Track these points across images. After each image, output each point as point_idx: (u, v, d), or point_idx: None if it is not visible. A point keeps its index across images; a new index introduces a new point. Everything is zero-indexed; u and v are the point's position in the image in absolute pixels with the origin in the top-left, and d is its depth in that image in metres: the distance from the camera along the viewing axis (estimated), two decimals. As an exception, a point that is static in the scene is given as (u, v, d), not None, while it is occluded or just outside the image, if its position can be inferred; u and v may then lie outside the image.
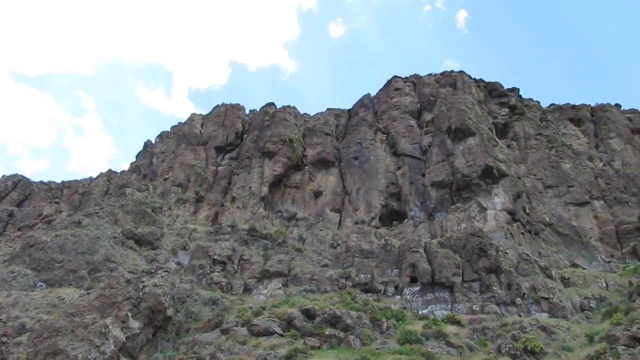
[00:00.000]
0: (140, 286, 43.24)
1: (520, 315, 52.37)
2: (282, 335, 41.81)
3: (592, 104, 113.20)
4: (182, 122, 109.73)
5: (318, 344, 40.34)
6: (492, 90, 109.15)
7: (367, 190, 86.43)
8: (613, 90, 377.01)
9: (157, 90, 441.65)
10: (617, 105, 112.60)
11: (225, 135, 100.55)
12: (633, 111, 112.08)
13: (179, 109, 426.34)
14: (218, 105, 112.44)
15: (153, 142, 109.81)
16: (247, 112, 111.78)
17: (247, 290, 59.33)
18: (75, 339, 36.08)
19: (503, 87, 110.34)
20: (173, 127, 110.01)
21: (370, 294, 58.43)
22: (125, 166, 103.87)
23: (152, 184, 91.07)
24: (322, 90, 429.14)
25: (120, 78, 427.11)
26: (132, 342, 39.28)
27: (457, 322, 48.81)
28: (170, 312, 43.92)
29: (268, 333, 42.19)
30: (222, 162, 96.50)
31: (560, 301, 55.98)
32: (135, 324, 40.17)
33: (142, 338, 40.48)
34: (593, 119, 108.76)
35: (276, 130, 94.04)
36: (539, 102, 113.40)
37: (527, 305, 55.47)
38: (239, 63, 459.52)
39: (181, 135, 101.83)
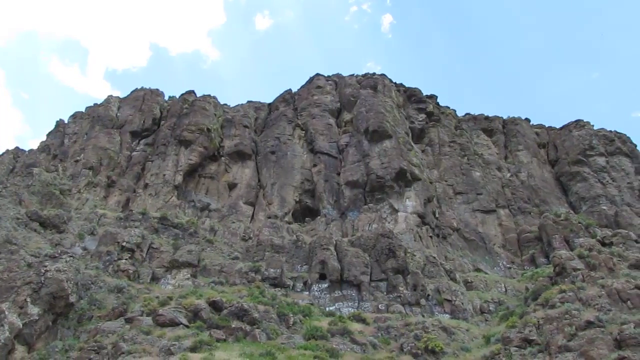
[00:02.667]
0: (42, 271, 41.75)
1: (423, 316, 53.87)
2: (187, 327, 41.38)
3: (505, 117, 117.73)
4: (98, 103, 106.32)
5: (224, 337, 40.20)
6: (411, 96, 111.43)
7: (282, 185, 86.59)
8: (524, 105, 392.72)
9: (72, 67, 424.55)
10: (527, 120, 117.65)
11: (142, 120, 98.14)
12: (540, 126, 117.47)
13: (94, 89, 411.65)
14: (136, 89, 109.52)
15: (66, 121, 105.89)
16: (166, 98, 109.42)
17: (154, 279, 58.17)
18: (-32, 323, 34.52)
19: (422, 94, 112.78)
20: (88, 108, 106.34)
21: (279, 288, 58.66)
22: (34, 145, 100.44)
23: (62, 165, 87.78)
24: (244, 81, 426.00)
25: (34, 51, 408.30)
26: (30, 329, 37.93)
27: (363, 320, 49.79)
28: (72, 298, 42.63)
29: (173, 324, 41.63)
30: (137, 148, 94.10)
31: (462, 303, 57.99)
32: (34, 310, 38.79)
33: (40, 325, 39.11)
34: (504, 131, 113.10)
35: (194, 119, 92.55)
36: (455, 111, 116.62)
37: (431, 306, 57.12)
38: (160, 46, 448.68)
39: (96, 117, 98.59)
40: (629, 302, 41.84)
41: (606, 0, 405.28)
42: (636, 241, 62.88)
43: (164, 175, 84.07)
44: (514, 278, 72.72)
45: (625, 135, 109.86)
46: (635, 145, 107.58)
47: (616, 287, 43.64)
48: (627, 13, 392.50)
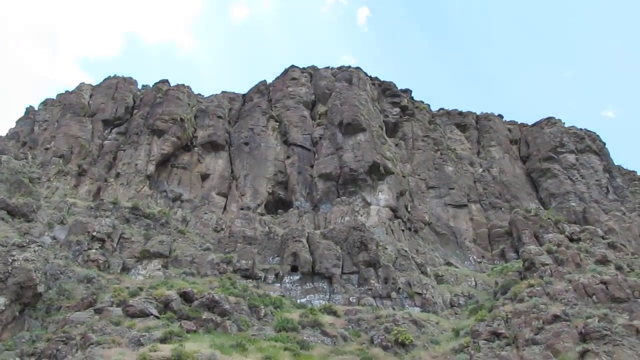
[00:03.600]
0: (10, 260, 41.06)
1: (394, 309, 54.21)
2: (158, 318, 41.10)
3: (478, 113, 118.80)
4: (70, 90, 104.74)
5: (194, 328, 40.06)
6: (386, 90, 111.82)
7: (255, 176, 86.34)
8: (497, 101, 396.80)
9: (43, 54, 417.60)
10: (500, 116, 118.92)
11: (114, 109, 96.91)
12: (513, 123, 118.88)
13: (65, 75, 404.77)
14: (109, 76, 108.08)
15: (36, 108, 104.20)
16: (139, 86, 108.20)
17: (125, 269, 57.55)
18: None
19: (396, 88, 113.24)
20: (59, 95, 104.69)
21: (251, 280, 58.54)
22: (2, 131, 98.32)
23: (31, 153, 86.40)
24: (219, 72, 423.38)
25: (3, 36, 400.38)
26: (-4, 319, 37.38)
27: (334, 313, 49.95)
28: (41, 288, 42.02)
29: (144, 314, 41.31)
30: (109, 136, 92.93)
31: (433, 297, 58.52)
32: (0, 300, 38.21)
33: (7, 315, 38.52)
34: (477, 127, 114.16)
35: (168, 109, 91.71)
36: (429, 106, 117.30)
37: (402, 299, 57.53)
38: (134, 34, 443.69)
39: (67, 105, 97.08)
40: (594, 296, 42.78)
41: (582, 1, 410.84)
42: (603, 237, 63.93)
43: (136, 164, 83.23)
44: (484, 272, 73.57)
45: (594, 133, 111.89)
46: (604, 144, 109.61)
47: (582, 282, 44.50)
48: (602, 14, 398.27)
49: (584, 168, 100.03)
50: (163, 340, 35.28)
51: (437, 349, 43.43)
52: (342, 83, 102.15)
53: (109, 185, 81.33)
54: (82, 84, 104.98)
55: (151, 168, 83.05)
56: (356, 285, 58.71)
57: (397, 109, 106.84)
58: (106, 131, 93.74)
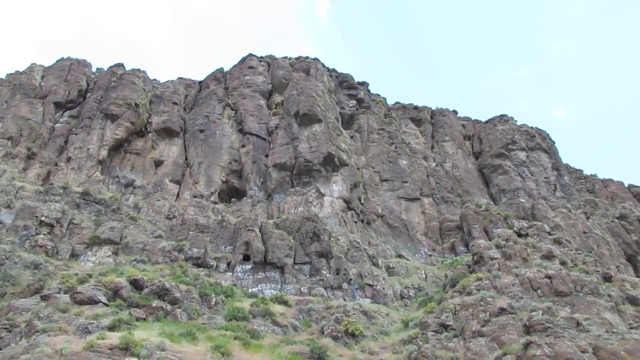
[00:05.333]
0: (-47, 243, 40.01)
1: (345, 300, 54.73)
2: (107, 305, 40.57)
3: (433, 108, 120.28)
4: (20, 71, 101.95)
5: (144, 316, 39.68)
6: (343, 82, 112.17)
7: (210, 164, 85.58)
8: (452, 97, 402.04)
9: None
10: (454, 112, 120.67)
11: (67, 91, 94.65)
12: (467, 119, 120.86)
13: (16, 55, 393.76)
14: (62, 58, 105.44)
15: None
16: (93, 69, 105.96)
17: (74, 256, 56.45)
18: None
19: (353, 80, 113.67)
20: (9, 75, 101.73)
21: (202, 268, 58.26)
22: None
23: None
24: (176, 57, 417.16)
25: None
26: (-62, 303, 36.35)
27: (285, 302, 50.18)
28: (-15, 273, 41.06)
29: (92, 302, 40.70)
30: (61, 119, 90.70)
31: (383, 288, 59.28)
32: (-57, 283, 37.17)
33: (-51, 299, 37.55)
34: (432, 122, 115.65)
35: (122, 93, 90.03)
36: (385, 99, 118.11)
37: (353, 290, 58.10)
38: (88, 16, 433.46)
39: (17, 85, 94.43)
40: (539, 290, 44.13)
41: (537, 2, 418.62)
42: (549, 233, 65.61)
43: (88, 149, 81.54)
44: (434, 265, 74.70)
45: (545, 132, 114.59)
46: (554, 142, 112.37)
47: (528, 276, 45.82)
48: (558, 14, 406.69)
49: (533, 165, 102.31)
50: (111, 328, 34.86)
51: (387, 339, 44.09)
52: (299, 73, 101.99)
53: (59, 170, 79.53)
54: (34, 64, 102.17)
55: (104, 153, 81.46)
56: (308, 276, 59.02)
57: (354, 102, 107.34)
58: (58, 114, 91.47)
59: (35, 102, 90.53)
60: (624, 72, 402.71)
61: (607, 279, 49.42)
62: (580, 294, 43.01)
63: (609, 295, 43.73)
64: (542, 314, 37.24)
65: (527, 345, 33.24)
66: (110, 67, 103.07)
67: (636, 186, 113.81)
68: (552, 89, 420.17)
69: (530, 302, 41.38)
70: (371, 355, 40.66)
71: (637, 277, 69.54)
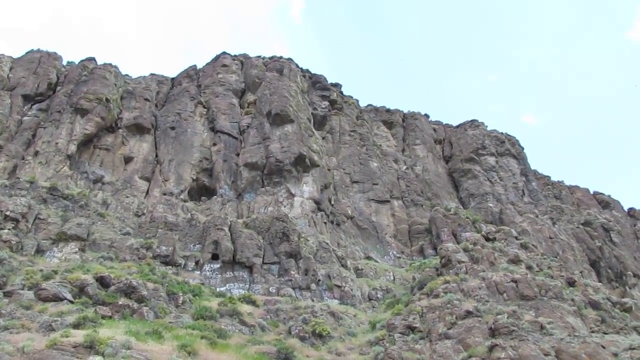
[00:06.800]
0: None
1: (313, 300, 54.83)
2: (72, 302, 39.89)
3: (405, 111, 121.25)
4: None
5: (110, 314, 39.13)
6: (316, 83, 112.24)
7: (180, 162, 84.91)
8: (424, 101, 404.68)
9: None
10: (426, 116, 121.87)
11: (36, 84, 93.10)
12: (438, 123, 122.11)
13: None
14: (32, 50, 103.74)
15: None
16: (64, 63, 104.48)
17: (39, 251, 55.44)
18: None
19: (326, 81, 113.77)
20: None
21: (170, 267, 57.78)
22: None
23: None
24: (148, 53, 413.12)
25: None
26: None
27: (253, 302, 50.06)
28: (-54, 267, 40.21)
29: (57, 299, 39.98)
30: (29, 113, 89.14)
31: (351, 290, 59.50)
32: None
33: None
34: (403, 125, 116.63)
35: (93, 87, 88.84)
36: (357, 101, 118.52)
37: (321, 291, 58.22)
38: (59, 7, 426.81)
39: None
40: (505, 294, 44.76)
41: (510, 8, 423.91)
42: (516, 238, 66.42)
43: (57, 143, 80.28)
44: (402, 267, 75.16)
45: (514, 137, 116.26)
46: (523, 148, 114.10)
47: (495, 279, 46.41)
48: (531, 20, 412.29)
49: (502, 171, 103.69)
50: (76, 326, 34.29)
51: (354, 341, 44.25)
52: (272, 73, 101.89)
53: (26, 164, 78.17)
54: (2, 55, 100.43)
55: (72, 148, 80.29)
56: (276, 276, 59.03)
57: (326, 103, 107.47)
58: (26, 107, 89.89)
59: (2, 94, 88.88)
60: (592, 81, 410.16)
61: (571, 283, 50.26)
62: (545, 298, 43.72)
63: (572, 300, 44.49)
64: (507, 318, 37.72)
65: (492, 348, 33.68)
66: (82, 61, 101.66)
67: (601, 194, 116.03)
68: (521, 95, 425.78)
69: (496, 306, 41.93)
70: (338, 356, 40.72)
71: (600, 282, 70.86)
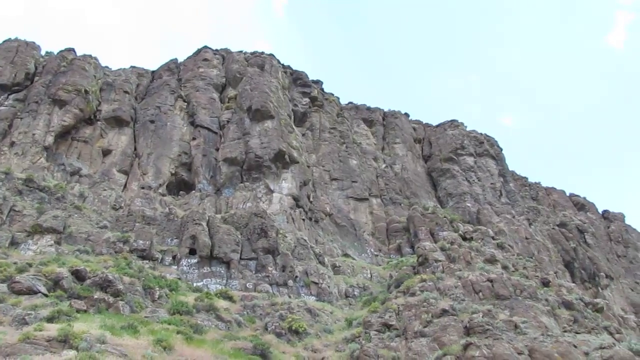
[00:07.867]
0: None
1: (290, 297, 54.89)
2: (46, 296, 39.50)
3: (385, 109, 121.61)
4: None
5: (85, 308, 38.74)
6: (297, 79, 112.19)
7: (159, 156, 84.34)
8: (404, 100, 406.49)
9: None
10: (406, 115, 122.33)
11: (13, 74, 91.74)
12: (418, 122, 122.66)
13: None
14: (9, 39, 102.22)
15: None
16: (42, 53, 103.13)
17: (14, 244, 54.75)
18: None
19: (307, 78, 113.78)
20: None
21: (147, 261, 57.38)
22: None
23: None
24: (129, 46, 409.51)
25: None
26: None
27: (230, 298, 50.01)
28: None
29: (31, 292, 39.49)
30: (5, 102, 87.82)
31: (329, 287, 59.64)
32: None
33: None
34: (384, 123, 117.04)
35: (72, 79, 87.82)
36: (338, 98, 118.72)
37: (298, 287, 58.29)
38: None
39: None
40: (480, 293, 45.18)
41: (491, 11, 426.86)
42: (493, 238, 67.13)
43: (34, 134, 79.32)
44: (379, 265, 75.50)
45: (493, 138, 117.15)
46: (501, 149, 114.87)
47: (471, 279, 46.84)
48: (509, 24, 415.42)
49: (481, 171, 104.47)
50: (50, 320, 33.94)
51: (330, 337, 44.41)
52: (254, 68, 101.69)
53: (1, 154, 77.14)
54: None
55: (50, 139, 79.37)
56: (254, 272, 58.96)
57: (307, 99, 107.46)
58: (2, 97, 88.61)
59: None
60: (569, 84, 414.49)
61: (545, 284, 50.84)
62: (520, 297, 44.19)
63: (546, 300, 45.01)
64: (482, 316, 38.14)
65: (466, 347, 34.01)
66: (61, 51, 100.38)
67: (577, 195, 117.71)
68: (499, 96, 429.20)
69: (471, 305, 42.35)
70: (314, 352, 40.87)
71: (573, 282, 71.79)
